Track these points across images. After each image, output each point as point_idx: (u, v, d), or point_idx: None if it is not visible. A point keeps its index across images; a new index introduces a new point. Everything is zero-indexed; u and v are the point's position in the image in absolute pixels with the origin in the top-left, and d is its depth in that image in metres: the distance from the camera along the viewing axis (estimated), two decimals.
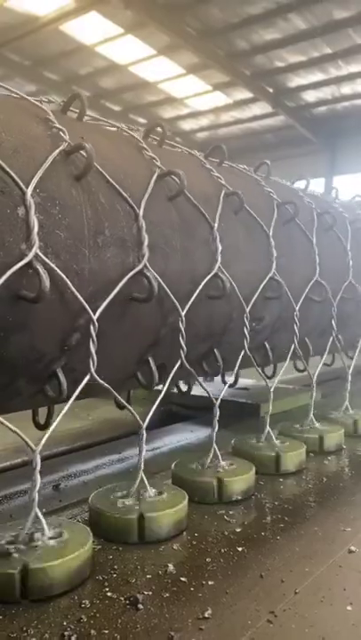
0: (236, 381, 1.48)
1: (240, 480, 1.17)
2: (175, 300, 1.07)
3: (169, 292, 1.05)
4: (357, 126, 16.88)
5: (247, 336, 1.28)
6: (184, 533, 1.02)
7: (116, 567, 0.89)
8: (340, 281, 1.67)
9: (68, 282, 0.86)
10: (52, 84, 15.76)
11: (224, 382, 1.43)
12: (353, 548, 0.95)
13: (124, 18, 12.99)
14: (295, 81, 15.34)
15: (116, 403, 1.08)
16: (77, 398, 0.93)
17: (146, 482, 1.05)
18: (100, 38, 13.91)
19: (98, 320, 0.90)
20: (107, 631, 0.72)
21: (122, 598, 0.80)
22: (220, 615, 0.77)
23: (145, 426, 1.05)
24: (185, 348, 1.09)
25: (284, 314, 1.47)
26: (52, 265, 0.83)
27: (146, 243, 1.00)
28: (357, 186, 17.52)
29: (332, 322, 1.62)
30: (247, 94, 15.89)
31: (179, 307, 1.07)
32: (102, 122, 1.27)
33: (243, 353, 1.29)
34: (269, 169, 1.67)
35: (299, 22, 12.91)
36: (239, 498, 1.17)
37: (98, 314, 0.91)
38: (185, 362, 1.10)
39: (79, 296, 0.88)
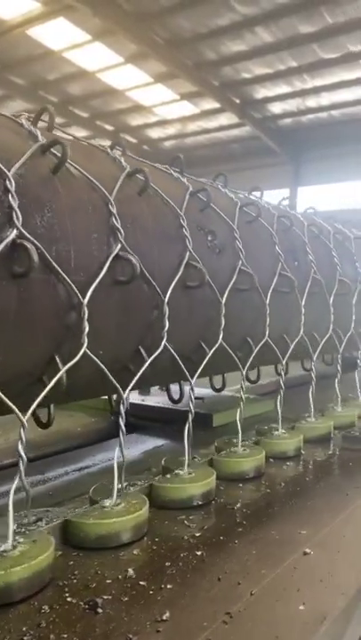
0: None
1: (200, 485, 1.19)
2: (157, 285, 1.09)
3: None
4: (322, 139, 17.29)
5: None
6: (145, 538, 1.03)
7: (76, 572, 0.90)
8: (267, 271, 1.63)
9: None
10: (18, 89, 15.64)
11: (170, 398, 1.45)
12: (308, 551, 0.99)
13: (92, 25, 12.99)
14: (261, 92, 15.62)
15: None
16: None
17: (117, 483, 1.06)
18: (67, 44, 13.87)
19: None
20: (66, 635, 0.73)
21: (81, 603, 0.81)
22: (177, 617, 0.79)
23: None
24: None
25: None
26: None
27: None
28: (320, 197, 17.90)
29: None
30: (214, 104, 16.09)
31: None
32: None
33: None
34: (226, 179, 1.70)
35: (265, 35, 13.17)
36: (200, 503, 1.19)
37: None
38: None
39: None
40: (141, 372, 1.14)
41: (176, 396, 1.56)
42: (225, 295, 1.35)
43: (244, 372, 1.49)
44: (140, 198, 1.19)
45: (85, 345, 0.97)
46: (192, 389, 1.30)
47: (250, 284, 1.46)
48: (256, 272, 1.47)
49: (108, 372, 1.03)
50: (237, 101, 16.11)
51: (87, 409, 2.12)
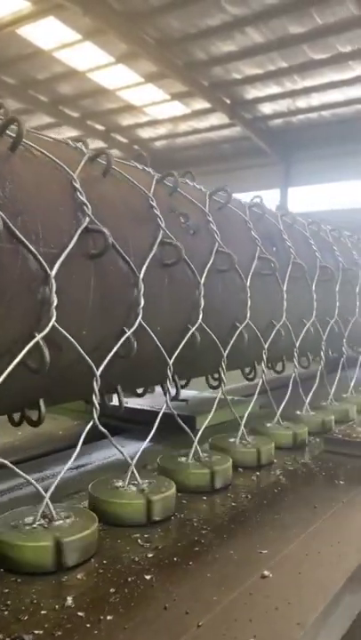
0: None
1: (158, 501, 1.11)
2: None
3: None
4: (312, 139, 17.26)
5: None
6: (92, 560, 0.95)
7: (9, 603, 0.82)
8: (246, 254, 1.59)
9: None
10: (8, 89, 15.53)
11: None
12: (266, 573, 0.91)
13: (82, 24, 12.92)
14: (252, 93, 15.58)
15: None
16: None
17: (51, 506, 0.98)
18: (57, 43, 13.79)
19: None
20: None
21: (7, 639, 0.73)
22: None
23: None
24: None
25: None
26: None
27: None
28: (311, 198, 17.87)
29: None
30: (205, 104, 16.03)
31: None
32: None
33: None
34: (230, 196, 1.64)
35: (255, 36, 13.14)
36: (157, 519, 1.11)
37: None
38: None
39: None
40: (116, 348, 1.08)
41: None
42: (204, 275, 1.32)
43: (224, 354, 1.41)
44: (105, 179, 1.18)
45: (54, 318, 0.93)
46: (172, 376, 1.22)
47: (229, 264, 1.42)
48: (235, 254, 1.43)
49: (84, 353, 0.99)
50: (228, 102, 16.07)
51: (70, 412, 2.07)
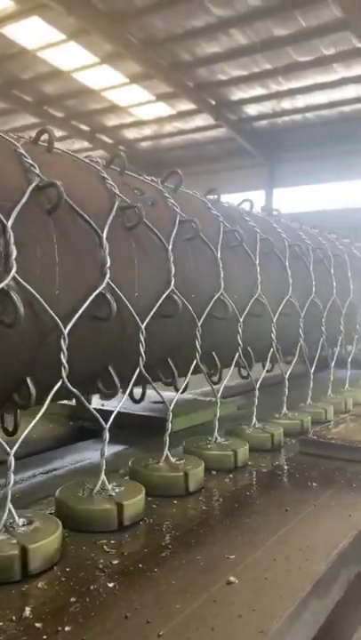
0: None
1: (126, 506, 1.09)
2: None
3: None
4: (297, 141, 17.35)
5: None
6: (55, 568, 0.93)
7: None
8: (210, 228, 1.58)
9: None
10: None
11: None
12: (232, 579, 0.89)
13: (66, 24, 12.87)
14: (237, 94, 15.62)
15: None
16: None
17: (14, 512, 0.95)
18: (42, 43, 13.71)
19: None
20: None
21: None
22: None
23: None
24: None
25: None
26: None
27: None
28: (296, 199, 17.95)
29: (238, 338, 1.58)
30: (190, 105, 16.04)
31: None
32: None
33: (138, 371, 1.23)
34: (181, 179, 1.62)
35: (240, 37, 13.18)
36: (125, 524, 1.09)
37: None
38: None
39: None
40: (82, 309, 1.05)
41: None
42: (171, 240, 1.32)
43: (199, 323, 1.39)
44: (49, 154, 1.18)
45: (14, 270, 0.92)
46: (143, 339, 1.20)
47: (194, 232, 1.41)
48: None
49: (43, 301, 0.97)
50: (213, 103, 16.09)
51: (45, 414, 2.04)
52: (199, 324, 1.40)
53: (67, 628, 0.76)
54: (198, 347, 1.41)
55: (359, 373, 2.65)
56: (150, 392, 1.45)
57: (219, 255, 1.49)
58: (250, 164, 18.36)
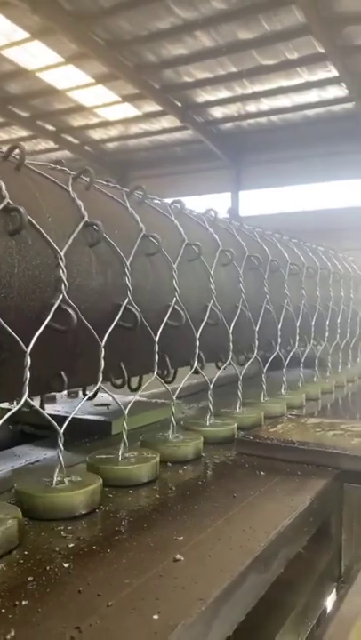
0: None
1: (83, 493, 1.16)
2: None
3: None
4: (262, 144, 17.63)
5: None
6: (14, 552, 0.99)
7: None
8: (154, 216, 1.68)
9: None
10: None
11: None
12: (178, 557, 0.97)
13: (31, 22, 12.79)
14: (203, 96, 15.78)
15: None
16: None
17: None
18: (5, 41, 13.59)
19: None
20: None
21: None
22: (23, 635, 0.75)
23: None
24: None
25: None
26: None
27: None
28: (262, 202, 18.20)
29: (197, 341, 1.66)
30: (156, 107, 16.13)
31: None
32: None
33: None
34: (145, 194, 1.70)
35: (205, 40, 13.33)
36: (83, 512, 1.16)
37: None
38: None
39: None
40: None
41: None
42: (130, 258, 1.37)
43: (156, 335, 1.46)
44: (21, 174, 1.22)
45: None
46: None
47: (156, 248, 1.48)
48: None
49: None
50: (179, 105, 16.21)
51: None
52: (156, 337, 1.48)
53: (24, 602, 0.83)
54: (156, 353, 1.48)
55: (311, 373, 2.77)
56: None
57: (175, 267, 1.55)
58: (216, 166, 18.57)
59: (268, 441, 1.67)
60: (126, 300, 1.35)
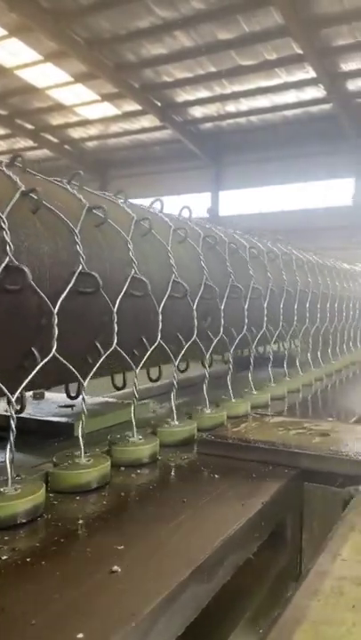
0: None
1: (23, 502, 1.11)
2: None
3: None
4: (241, 144, 17.65)
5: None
6: None
7: None
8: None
9: None
10: None
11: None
12: (115, 568, 0.92)
13: (8, 20, 12.65)
14: (182, 96, 15.75)
15: None
16: None
17: None
18: None
19: None
20: None
21: None
22: None
23: None
24: None
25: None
26: None
27: None
28: (242, 202, 18.23)
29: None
30: (136, 106, 16.07)
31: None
32: None
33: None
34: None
35: (184, 40, 13.32)
36: (23, 521, 1.10)
37: None
38: None
39: None
40: None
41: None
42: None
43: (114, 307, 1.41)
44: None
45: None
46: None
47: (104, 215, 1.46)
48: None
49: None
50: (159, 104, 16.17)
51: None
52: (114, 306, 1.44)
53: None
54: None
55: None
56: (58, 396, 1.47)
57: (129, 239, 1.52)
58: (196, 165, 18.56)
59: (229, 440, 1.64)
60: (80, 267, 1.31)
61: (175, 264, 1.73)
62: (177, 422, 1.74)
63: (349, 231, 15.88)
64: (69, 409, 1.97)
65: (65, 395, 1.70)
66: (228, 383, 2.12)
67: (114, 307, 1.43)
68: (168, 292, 1.67)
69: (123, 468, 1.45)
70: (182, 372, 2.03)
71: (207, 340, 1.96)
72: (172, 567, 0.94)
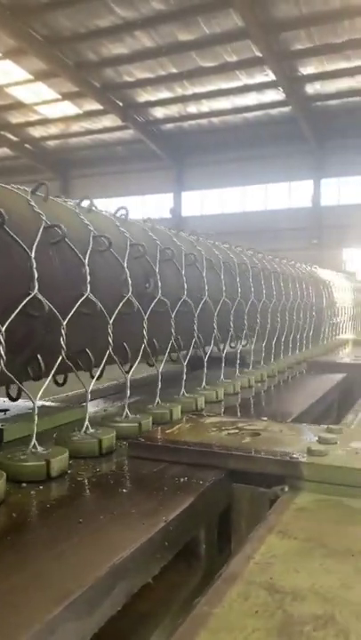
0: None
1: None
2: None
3: None
4: (203, 145, 17.65)
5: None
6: None
7: None
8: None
9: None
10: None
11: None
12: None
13: None
14: (144, 96, 15.66)
15: None
16: None
17: None
18: None
19: None
20: None
21: None
22: None
23: None
24: None
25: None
26: None
27: None
28: (204, 203, 18.22)
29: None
30: (97, 106, 15.91)
31: None
32: None
33: None
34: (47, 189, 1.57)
35: (145, 40, 13.24)
36: None
37: None
38: None
39: None
40: None
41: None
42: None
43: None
44: None
45: None
46: None
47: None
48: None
49: None
50: (120, 104, 16.06)
51: None
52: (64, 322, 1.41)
53: None
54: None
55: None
56: None
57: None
58: (158, 166, 18.48)
59: (159, 443, 1.55)
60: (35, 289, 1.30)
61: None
62: (94, 430, 1.63)
63: (309, 232, 16.07)
64: (2, 413, 1.85)
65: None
66: (158, 390, 2.03)
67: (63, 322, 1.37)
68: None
69: (24, 485, 1.32)
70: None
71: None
72: (44, 604, 0.83)
